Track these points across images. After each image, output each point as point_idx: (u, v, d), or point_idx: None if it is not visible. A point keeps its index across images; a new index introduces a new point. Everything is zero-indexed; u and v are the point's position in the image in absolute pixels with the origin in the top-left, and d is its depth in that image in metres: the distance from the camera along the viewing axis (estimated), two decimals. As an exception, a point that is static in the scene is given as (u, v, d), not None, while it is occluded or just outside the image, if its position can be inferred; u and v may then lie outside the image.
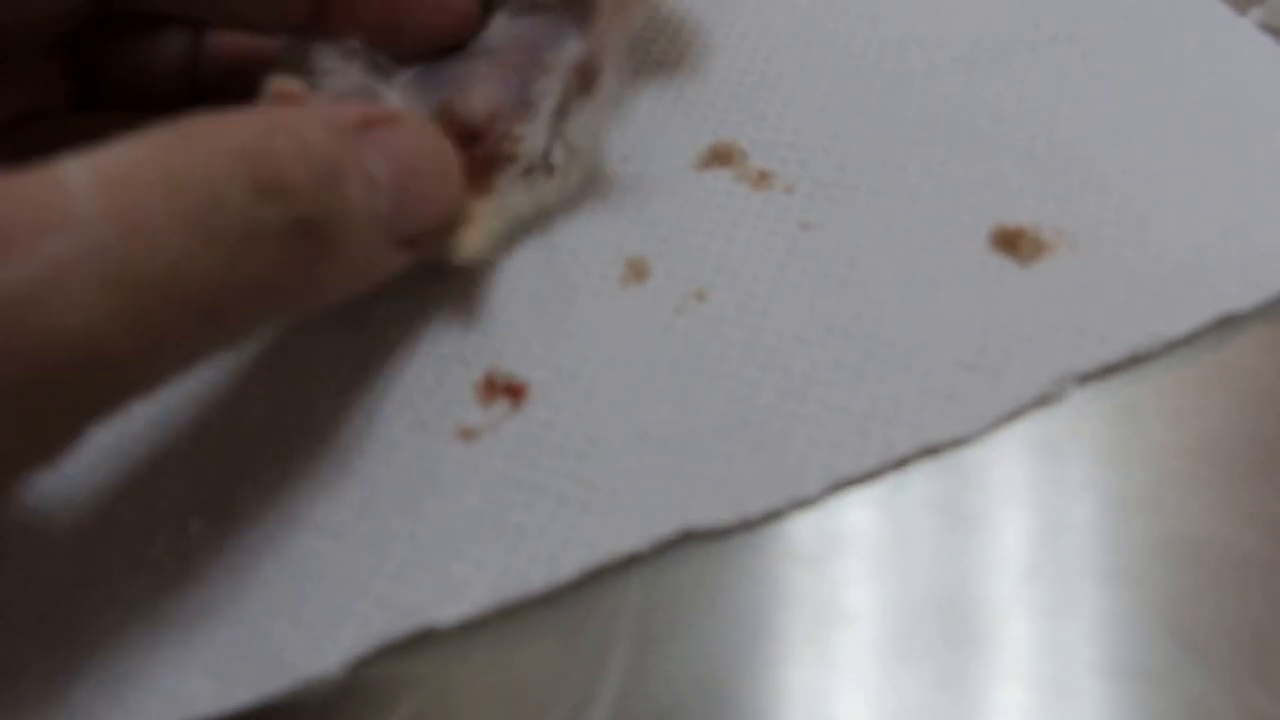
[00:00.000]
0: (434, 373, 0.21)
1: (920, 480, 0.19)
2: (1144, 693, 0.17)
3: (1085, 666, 0.17)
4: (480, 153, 0.21)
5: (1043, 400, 0.20)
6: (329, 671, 0.17)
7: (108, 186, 0.14)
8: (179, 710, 0.17)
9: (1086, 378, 0.20)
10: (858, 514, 0.19)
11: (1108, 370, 0.20)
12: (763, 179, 0.23)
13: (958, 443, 0.19)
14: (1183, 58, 0.25)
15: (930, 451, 0.19)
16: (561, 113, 0.22)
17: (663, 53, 0.26)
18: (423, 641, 0.18)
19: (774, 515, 0.19)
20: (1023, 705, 0.17)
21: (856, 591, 0.18)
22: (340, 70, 0.21)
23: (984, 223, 0.22)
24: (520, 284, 0.22)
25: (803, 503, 0.19)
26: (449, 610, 0.18)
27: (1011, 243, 0.22)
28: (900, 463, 0.19)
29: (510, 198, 0.22)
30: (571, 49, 0.22)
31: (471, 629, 0.18)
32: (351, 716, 0.17)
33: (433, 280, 0.22)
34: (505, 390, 0.20)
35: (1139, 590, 0.18)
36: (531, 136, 0.21)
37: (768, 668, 0.17)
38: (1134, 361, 0.20)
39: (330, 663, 0.17)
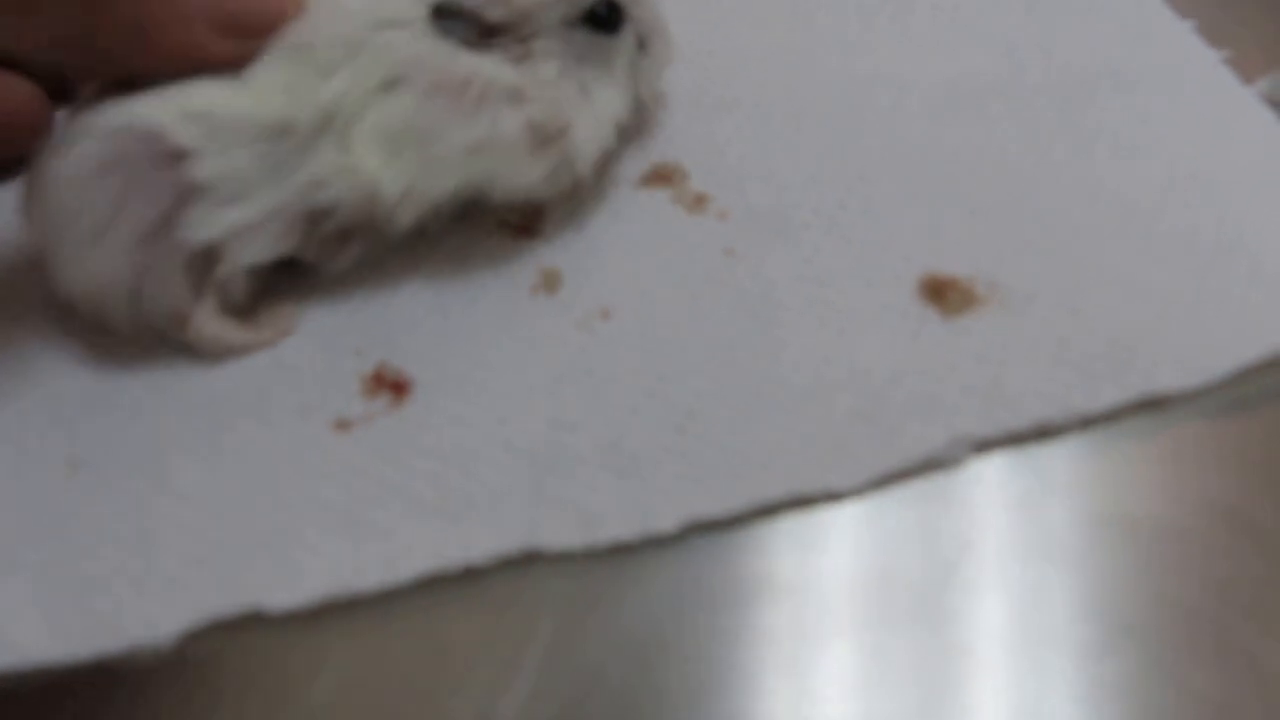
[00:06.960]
0: (328, 360, 0.21)
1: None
2: (1076, 667, 0.16)
3: (1016, 641, 0.17)
4: None
5: (933, 465, 0.19)
6: (158, 642, 0.17)
7: None
8: (11, 656, 0.17)
9: (986, 445, 0.19)
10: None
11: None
12: (699, 202, 0.23)
13: (831, 496, 0.18)
14: (1171, 123, 0.23)
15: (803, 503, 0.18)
16: None
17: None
18: (347, 610, 0.18)
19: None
20: (951, 678, 0.17)
21: (786, 565, 0.18)
22: None
23: (915, 270, 0.21)
24: (433, 281, 0.22)
25: (656, 539, 0.18)
26: (280, 597, 0.18)
27: (940, 293, 0.21)
28: (768, 510, 0.18)
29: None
30: None
31: (398, 598, 0.18)
32: (275, 683, 0.17)
33: (352, 268, 0.22)
34: (390, 385, 0.20)
35: (1073, 567, 0.17)
36: None
37: (695, 645, 0.17)
38: (1042, 433, 0.19)
39: (160, 633, 0.18)
